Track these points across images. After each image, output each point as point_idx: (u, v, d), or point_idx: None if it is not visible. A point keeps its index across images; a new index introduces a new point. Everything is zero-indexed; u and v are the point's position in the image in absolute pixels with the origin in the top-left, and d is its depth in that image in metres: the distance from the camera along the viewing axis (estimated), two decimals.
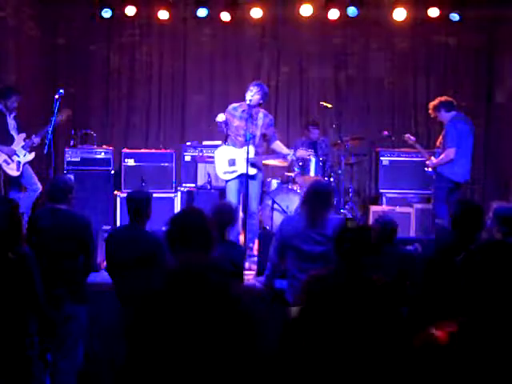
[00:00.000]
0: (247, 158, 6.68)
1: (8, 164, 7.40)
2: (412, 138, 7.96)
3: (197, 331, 1.55)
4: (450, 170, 7.43)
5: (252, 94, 6.86)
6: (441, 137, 7.66)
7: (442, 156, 7.46)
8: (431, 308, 3.89)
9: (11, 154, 7.39)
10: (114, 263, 4.76)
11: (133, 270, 4.50)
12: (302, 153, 7.12)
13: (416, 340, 2.23)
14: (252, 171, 6.87)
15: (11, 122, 7.50)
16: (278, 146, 7.27)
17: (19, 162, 7.43)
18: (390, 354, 2.93)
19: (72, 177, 8.32)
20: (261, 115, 7.00)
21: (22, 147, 7.42)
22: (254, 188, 6.97)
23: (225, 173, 7.05)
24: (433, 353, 2.14)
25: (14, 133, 7.50)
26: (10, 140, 7.45)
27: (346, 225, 3.41)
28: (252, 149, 6.84)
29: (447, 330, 2.16)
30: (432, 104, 7.59)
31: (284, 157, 7.23)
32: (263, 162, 7.33)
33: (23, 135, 7.54)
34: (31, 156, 7.53)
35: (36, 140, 7.52)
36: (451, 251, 3.97)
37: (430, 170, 7.64)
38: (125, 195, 8.13)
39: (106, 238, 5.02)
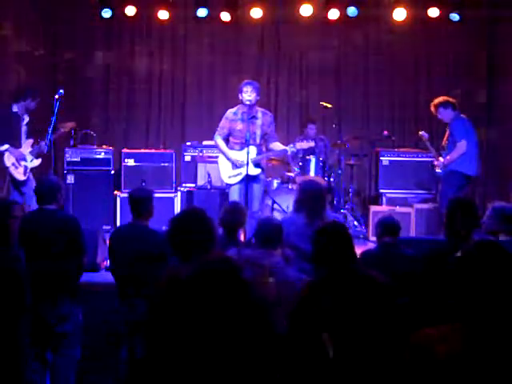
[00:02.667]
0: (247, 158, 6.66)
1: (16, 168, 7.35)
2: (426, 135, 7.80)
3: (221, 315, 1.98)
4: (463, 164, 7.28)
5: (249, 94, 6.82)
6: (445, 138, 7.55)
7: (452, 152, 7.31)
8: (428, 308, 3.87)
9: (20, 159, 7.34)
10: (118, 261, 4.76)
11: (136, 268, 4.51)
12: (301, 144, 7.08)
13: (411, 339, 2.23)
14: (256, 171, 6.84)
15: (23, 127, 7.41)
16: (277, 146, 7.19)
17: (26, 167, 7.36)
18: (386, 350, 2.94)
19: (72, 177, 8.36)
20: (260, 114, 6.96)
21: (30, 153, 7.34)
22: (257, 188, 6.93)
23: (230, 177, 6.98)
24: (425, 353, 2.15)
25: (23, 137, 7.40)
26: (19, 144, 7.36)
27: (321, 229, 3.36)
28: (254, 149, 6.82)
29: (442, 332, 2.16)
30: (437, 100, 7.45)
31: (284, 151, 7.14)
32: (266, 159, 7.29)
33: (31, 141, 7.44)
34: (37, 162, 7.45)
35: (44, 146, 7.44)
36: (446, 251, 3.94)
37: (439, 170, 7.48)
38: (125, 195, 8.17)
39: (109, 236, 5.03)
